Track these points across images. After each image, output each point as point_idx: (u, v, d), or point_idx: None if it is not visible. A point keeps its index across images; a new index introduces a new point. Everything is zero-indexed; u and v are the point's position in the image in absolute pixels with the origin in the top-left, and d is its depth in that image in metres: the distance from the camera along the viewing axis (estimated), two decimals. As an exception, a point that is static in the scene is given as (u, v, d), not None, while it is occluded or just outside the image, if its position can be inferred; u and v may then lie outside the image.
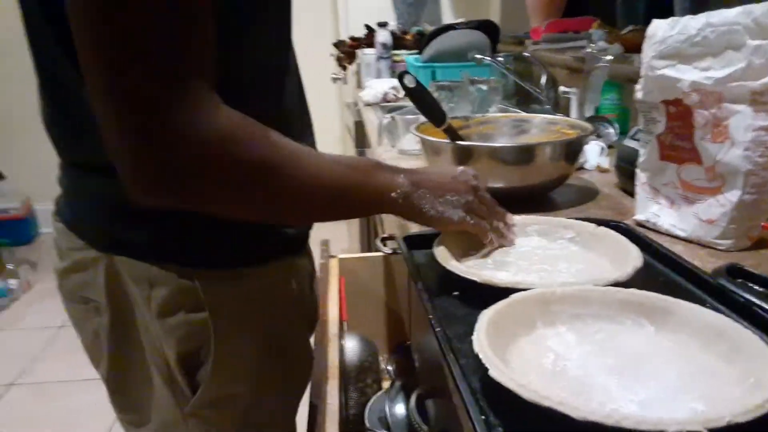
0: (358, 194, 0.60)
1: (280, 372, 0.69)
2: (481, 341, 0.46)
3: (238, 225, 0.62)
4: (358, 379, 1.09)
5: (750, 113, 0.64)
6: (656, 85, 0.72)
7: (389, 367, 1.31)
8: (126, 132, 0.46)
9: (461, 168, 0.68)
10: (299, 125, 0.69)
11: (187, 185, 0.49)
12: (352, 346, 1.13)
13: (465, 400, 0.42)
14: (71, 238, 0.65)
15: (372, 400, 1.04)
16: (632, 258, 0.61)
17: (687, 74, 0.68)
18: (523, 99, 1.84)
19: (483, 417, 0.41)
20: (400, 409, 0.95)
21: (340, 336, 1.06)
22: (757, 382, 0.41)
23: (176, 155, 0.47)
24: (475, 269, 0.61)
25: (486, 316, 0.50)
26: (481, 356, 0.44)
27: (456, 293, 0.60)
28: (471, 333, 0.48)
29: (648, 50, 0.72)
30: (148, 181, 0.48)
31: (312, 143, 0.72)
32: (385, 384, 1.17)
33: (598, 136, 1.20)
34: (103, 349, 0.67)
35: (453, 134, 0.91)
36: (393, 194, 0.61)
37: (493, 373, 0.42)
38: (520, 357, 0.48)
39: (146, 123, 0.46)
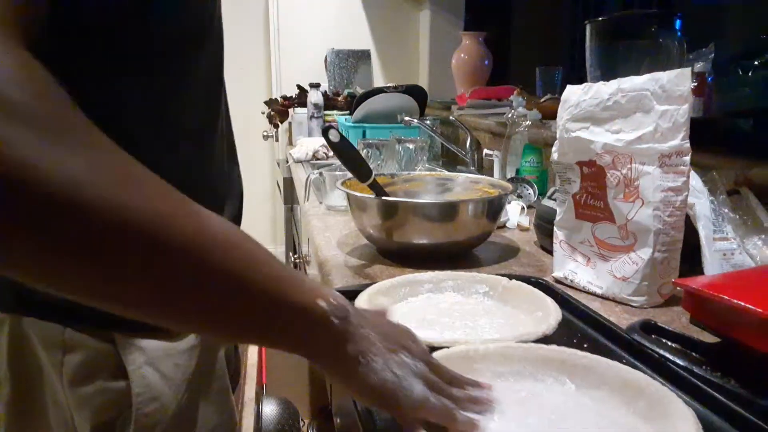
0: (267, 286, 0.38)
1: None
2: (399, 402, 0.43)
3: None
4: (275, 447, 1.03)
5: (659, 174, 0.68)
6: (571, 146, 0.75)
7: (311, 433, 1.25)
8: None
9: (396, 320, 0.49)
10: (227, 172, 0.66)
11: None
12: (270, 410, 1.07)
13: (380, 466, 0.39)
14: None
15: (290, 470, 0.98)
16: (551, 311, 0.62)
17: (600, 137, 0.72)
18: (449, 160, 1.89)
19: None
20: (319, 478, 0.89)
21: (258, 400, 1.01)
22: (674, 439, 0.40)
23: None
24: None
25: (405, 375, 0.47)
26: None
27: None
28: (390, 393, 0.45)
29: (563, 113, 0.76)
30: None
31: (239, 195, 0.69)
32: (306, 451, 1.11)
33: (519, 197, 1.24)
34: (2, 423, 0.58)
35: (378, 190, 0.90)
36: (322, 303, 0.40)
37: (410, 436, 0.39)
38: (440, 418, 0.46)
39: None
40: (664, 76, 0.66)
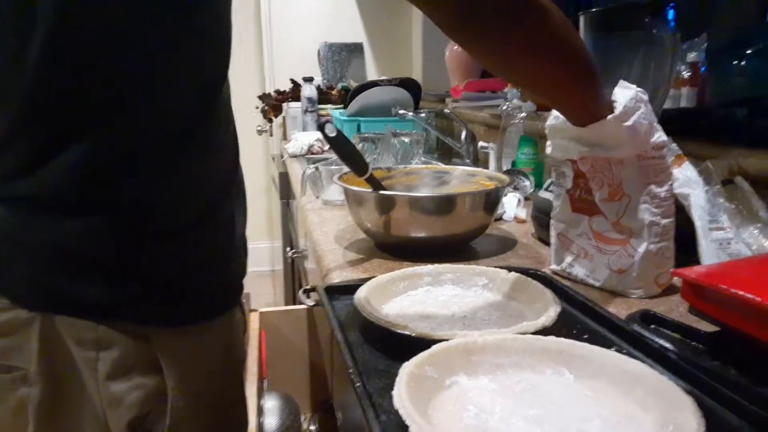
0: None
1: (228, 429, 0.65)
2: (401, 396, 0.44)
3: (194, 276, 0.58)
4: (277, 442, 1.03)
5: (640, 171, 0.68)
6: (558, 146, 0.76)
7: (312, 427, 1.25)
8: None
9: None
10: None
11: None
12: (271, 405, 1.07)
13: (385, 460, 0.40)
14: None
15: (292, 464, 0.98)
16: (550, 302, 0.62)
17: (576, 147, 0.72)
18: (445, 153, 1.89)
19: (404, 478, 0.38)
20: (321, 472, 0.90)
21: (259, 395, 1.01)
22: (676, 428, 0.41)
23: None
24: (399, 320, 0.60)
25: (407, 369, 0.48)
26: (401, 412, 0.42)
27: (379, 345, 0.58)
28: (393, 387, 0.46)
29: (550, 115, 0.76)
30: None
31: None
32: (307, 445, 1.11)
33: (515, 189, 1.24)
34: (29, 424, 0.58)
35: (375, 184, 0.90)
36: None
37: (414, 430, 0.40)
38: (442, 410, 0.46)
39: None
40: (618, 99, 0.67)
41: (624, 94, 0.67)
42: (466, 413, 0.46)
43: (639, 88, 0.68)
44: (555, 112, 0.73)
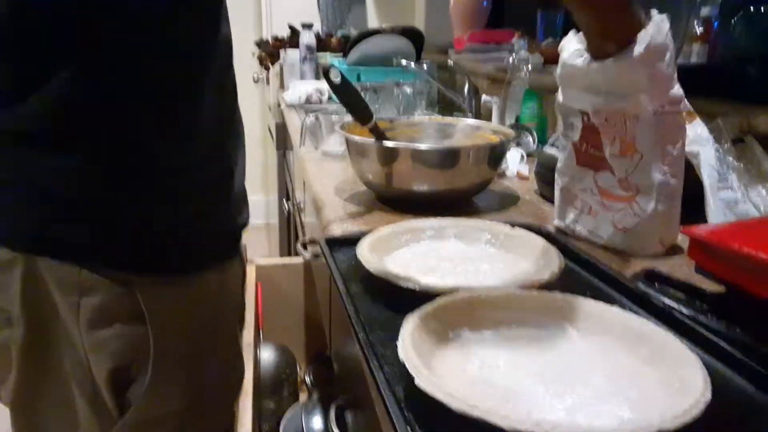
0: None
1: (216, 382, 0.64)
2: (406, 347, 0.43)
3: (185, 224, 0.56)
4: (274, 392, 1.04)
5: (654, 127, 0.66)
6: (570, 96, 0.73)
7: (307, 378, 1.27)
8: None
9: None
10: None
11: None
12: (268, 356, 1.08)
13: (389, 410, 0.39)
14: None
15: (288, 413, 0.99)
16: (554, 258, 0.61)
17: (590, 98, 0.69)
18: (446, 106, 1.86)
19: (408, 427, 0.38)
20: (317, 422, 0.91)
21: (256, 345, 1.01)
22: (681, 386, 0.40)
23: None
24: (401, 273, 0.59)
25: (411, 321, 0.47)
26: (406, 364, 0.42)
27: (380, 298, 0.57)
28: (395, 338, 0.45)
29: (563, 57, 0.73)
30: None
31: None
32: (303, 396, 1.13)
33: (518, 144, 1.22)
34: (13, 366, 0.57)
35: (379, 134, 0.88)
36: None
37: (420, 381, 0.39)
38: (446, 363, 0.46)
39: None
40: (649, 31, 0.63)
41: (656, 28, 0.63)
42: (470, 365, 0.46)
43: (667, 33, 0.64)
44: (564, 60, 0.70)
